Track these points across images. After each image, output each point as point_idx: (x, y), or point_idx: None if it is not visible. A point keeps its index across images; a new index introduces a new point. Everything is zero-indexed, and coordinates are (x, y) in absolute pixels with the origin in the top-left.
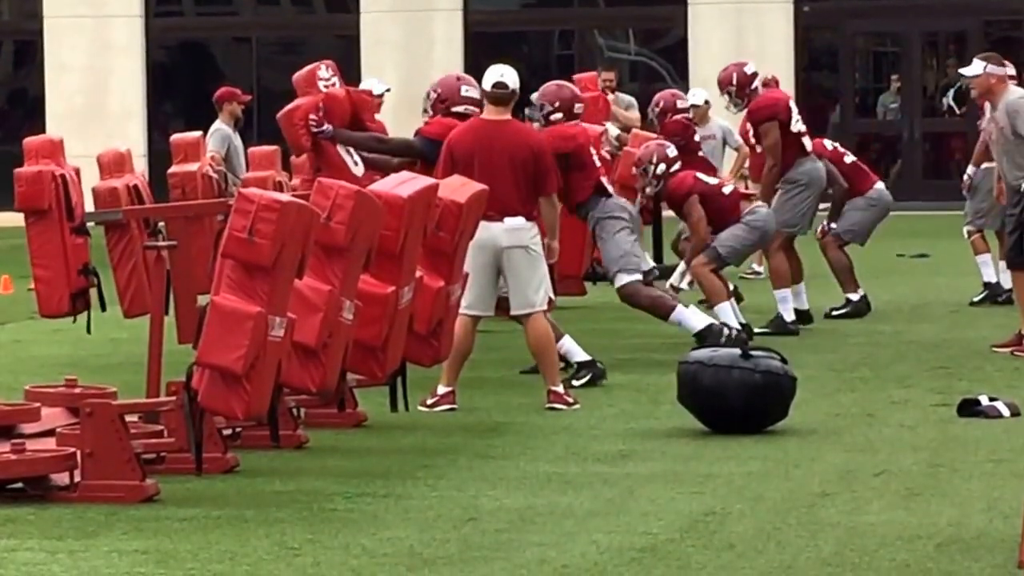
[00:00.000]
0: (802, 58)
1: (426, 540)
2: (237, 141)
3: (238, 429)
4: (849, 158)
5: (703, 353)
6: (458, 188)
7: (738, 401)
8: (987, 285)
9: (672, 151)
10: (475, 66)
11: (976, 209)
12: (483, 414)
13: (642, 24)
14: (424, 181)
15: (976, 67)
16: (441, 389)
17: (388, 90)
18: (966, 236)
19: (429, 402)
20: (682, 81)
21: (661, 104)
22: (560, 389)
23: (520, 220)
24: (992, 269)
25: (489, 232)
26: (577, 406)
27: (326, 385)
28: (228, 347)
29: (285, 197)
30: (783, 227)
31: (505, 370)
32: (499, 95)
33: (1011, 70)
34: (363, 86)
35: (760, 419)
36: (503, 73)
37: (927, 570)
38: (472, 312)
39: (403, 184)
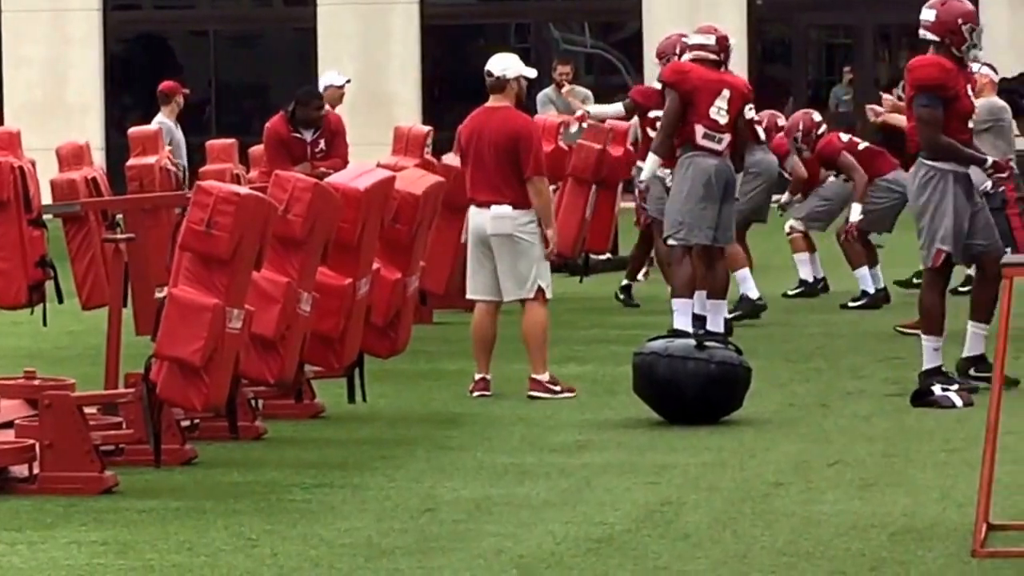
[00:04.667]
0: (756, 50)
1: (384, 530)
2: (179, 134)
3: (196, 421)
4: (862, 145)
5: (658, 344)
6: (415, 180)
7: (693, 392)
8: (803, 283)
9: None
10: (432, 59)
11: (813, 210)
12: (440, 405)
13: (597, 17)
14: (381, 174)
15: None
16: (476, 376)
17: (348, 81)
18: (787, 232)
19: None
20: (637, 74)
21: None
22: (543, 378)
23: (506, 208)
24: (809, 268)
25: (477, 219)
26: (568, 394)
27: (284, 376)
28: (186, 339)
29: (243, 190)
30: (736, 215)
31: (463, 362)
32: (489, 83)
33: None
34: (322, 79)
35: (715, 409)
36: (492, 61)
37: (881, 559)
38: (478, 297)
39: (360, 176)
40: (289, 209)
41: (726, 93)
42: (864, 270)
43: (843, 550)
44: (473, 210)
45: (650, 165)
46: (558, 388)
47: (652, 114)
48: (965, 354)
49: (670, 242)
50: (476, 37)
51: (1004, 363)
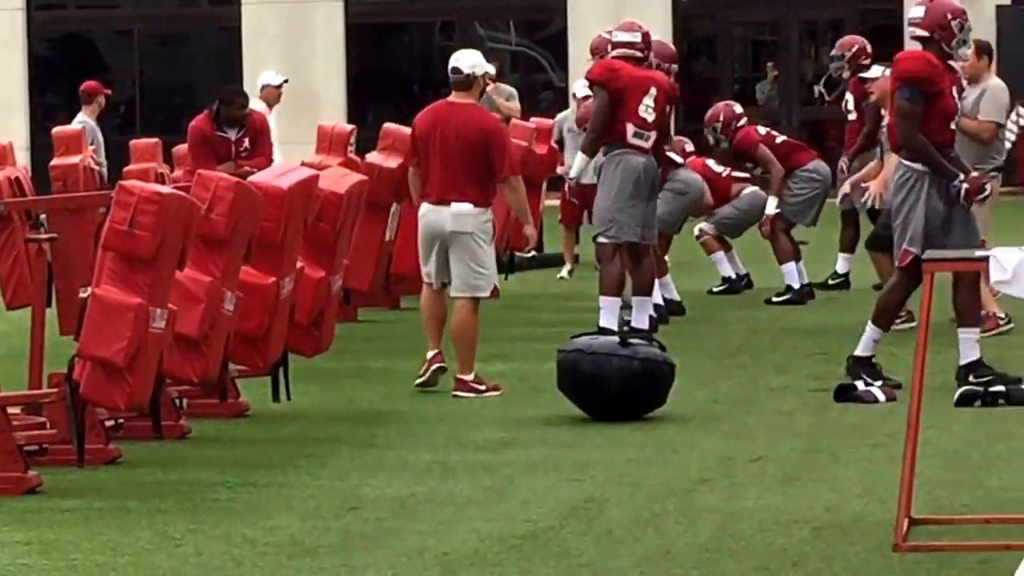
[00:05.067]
0: (681, 47)
1: (308, 529)
2: (99, 135)
3: (120, 420)
4: (780, 138)
5: (582, 341)
6: (338, 179)
7: (617, 388)
8: (726, 279)
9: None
10: (357, 58)
11: (724, 217)
12: (365, 403)
13: (523, 15)
14: (304, 172)
15: (876, 71)
16: (429, 354)
17: (286, 81)
18: (697, 235)
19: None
20: (562, 71)
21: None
22: (468, 377)
23: (467, 206)
24: (728, 265)
25: (436, 216)
26: (493, 393)
27: (208, 376)
28: (110, 339)
29: (166, 189)
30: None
31: (387, 360)
32: (455, 80)
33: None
34: (260, 79)
35: (639, 406)
36: (459, 58)
37: (804, 554)
38: (431, 280)
39: (284, 175)
40: (212, 208)
41: (653, 91)
42: (791, 265)
43: (766, 545)
44: (428, 207)
45: (578, 164)
46: (483, 387)
47: None
48: (961, 362)
49: (600, 240)
50: (401, 35)
51: (925, 357)
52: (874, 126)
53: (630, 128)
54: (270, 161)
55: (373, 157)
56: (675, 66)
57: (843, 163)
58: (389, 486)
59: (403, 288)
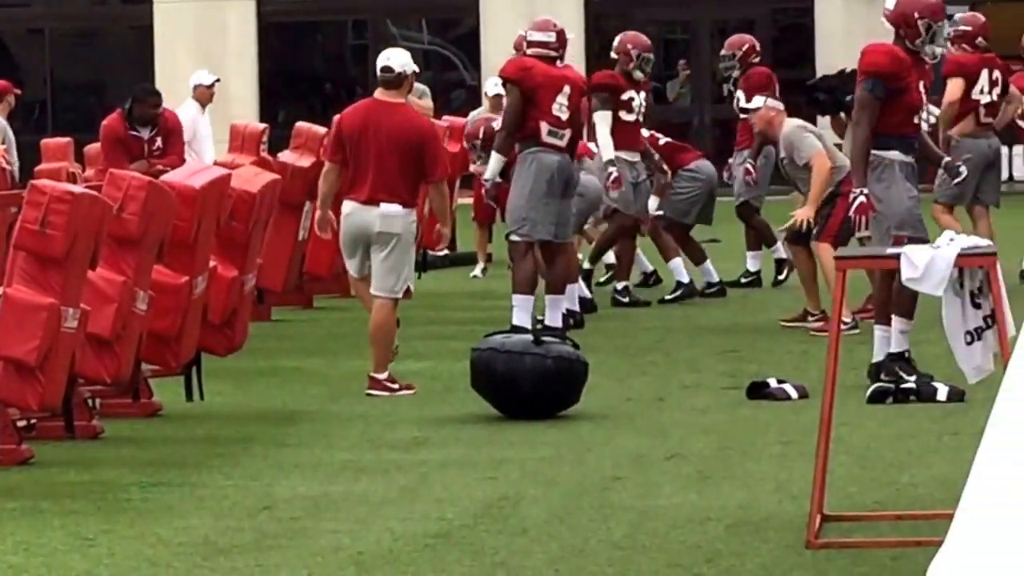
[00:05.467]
0: (593, 46)
1: (221, 529)
2: (10, 134)
3: (33, 420)
4: (663, 140)
5: (496, 340)
6: (251, 178)
7: (531, 387)
8: (680, 284)
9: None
10: (269, 56)
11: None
12: (278, 403)
13: (435, 13)
14: (216, 172)
15: (757, 101)
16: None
17: (217, 80)
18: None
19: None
20: (475, 70)
21: None
22: (381, 377)
23: (396, 207)
24: (684, 269)
25: (364, 216)
26: (407, 392)
27: (121, 375)
28: (21, 339)
29: (78, 189)
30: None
31: (300, 359)
32: (386, 79)
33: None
34: (192, 79)
35: (553, 404)
36: (389, 57)
37: (717, 551)
38: (356, 273)
39: (196, 174)
40: (124, 208)
41: (567, 89)
42: (677, 261)
43: (679, 543)
44: (355, 206)
45: (493, 164)
46: (396, 386)
47: (625, 96)
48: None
49: (512, 238)
50: (313, 34)
51: (837, 355)
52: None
53: (544, 126)
54: (182, 160)
55: (285, 156)
56: (650, 55)
57: (748, 162)
58: (303, 485)
59: (316, 287)
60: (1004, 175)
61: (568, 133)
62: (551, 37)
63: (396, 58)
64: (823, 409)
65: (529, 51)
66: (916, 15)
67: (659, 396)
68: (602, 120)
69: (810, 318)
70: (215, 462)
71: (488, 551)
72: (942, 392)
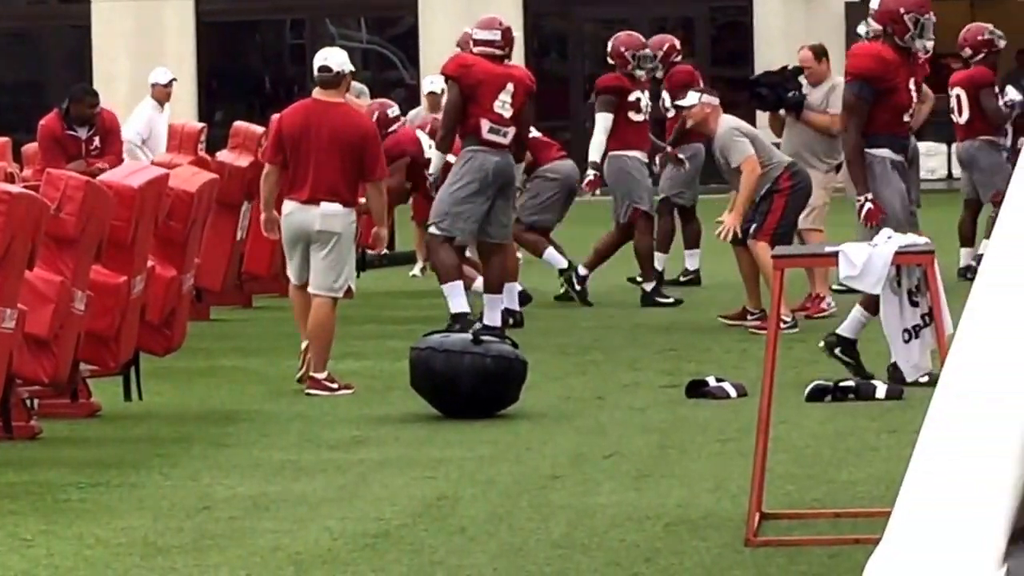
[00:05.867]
0: (532, 45)
1: (160, 529)
2: None
3: None
4: (534, 134)
5: (435, 339)
6: (189, 178)
7: (470, 386)
8: (562, 271)
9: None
10: (208, 56)
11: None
12: (217, 403)
13: (373, 12)
14: (154, 171)
15: (692, 98)
16: (303, 345)
17: (174, 79)
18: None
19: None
20: (414, 68)
21: None
22: (321, 376)
23: (337, 207)
24: (560, 256)
25: (304, 215)
26: (346, 391)
27: (59, 376)
28: None
29: (14, 188)
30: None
31: (239, 358)
32: (324, 79)
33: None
34: (150, 78)
35: (492, 403)
36: (327, 56)
37: (656, 550)
38: (297, 280)
39: (134, 174)
40: (62, 208)
41: (510, 87)
42: (550, 251)
43: (618, 541)
44: (295, 206)
45: (435, 161)
46: (336, 385)
47: (632, 97)
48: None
49: (431, 230)
50: (251, 33)
51: (776, 353)
52: (679, 135)
53: (484, 124)
54: (120, 160)
55: (223, 155)
56: (647, 51)
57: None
58: (241, 485)
59: (255, 287)
60: (943, 173)
61: (511, 131)
62: (496, 35)
63: (334, 57)
64: (761, 407)
65: (475, 49)
66: (902, 10)
67: (598, 395)
68: (602, 121)
69: (749, 316)
70: (154, 462)
71: (427, 550)
72: (880, 390)
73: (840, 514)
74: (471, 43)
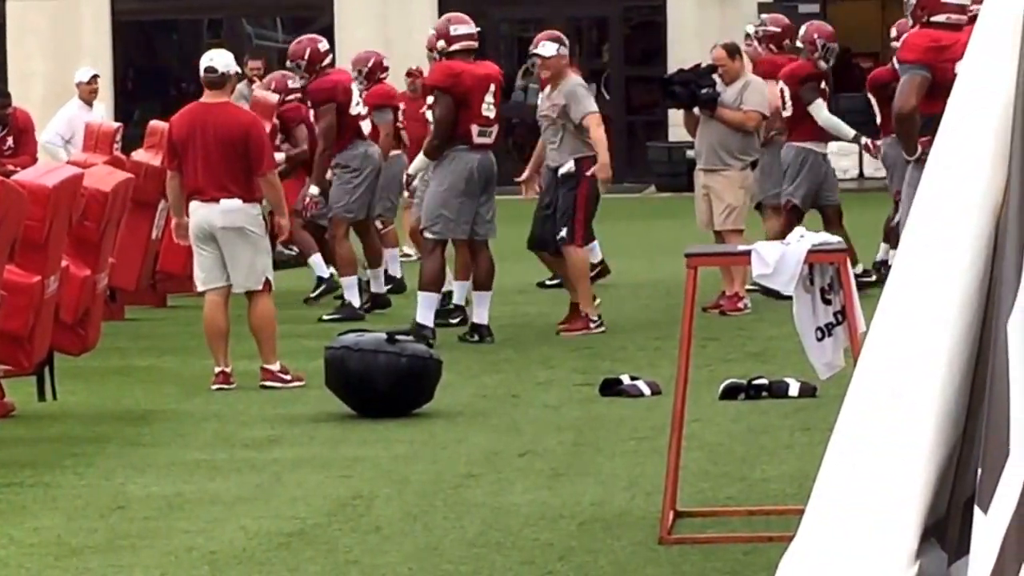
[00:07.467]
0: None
1: (74, 529)
2: None
3: None
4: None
5: (349, 338)
6: (103, 177)
7: (384, 385)
8: (320, 280)
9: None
10: (124, 55)
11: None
12: (132, 402)
13: (290, 12)
14: (69, 171)
15: (550, 48)
16: (216, 370)
17: (96, 76)
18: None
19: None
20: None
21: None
22: (274, 368)
23: (236, 202)
24: (324, 264)
25: (204, 214)
26: (298, 383)
27: None
28: None
29: None
30: (343, 213)
31: (154, 358)
32: (210, 79)
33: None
34: (75, 75)
35: (407, 402)
36: (213, 58)
37: (570, 548)
38: (210, 286)
39: (48, 174)
40: None
41: (492, 87)
42: (316, 258)
43: (532, 540)
44: (196, 204)
45: (418, 164)
46: (288, 377)
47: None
48: None
49: (426, 235)
50: (168, 32)
51: (689, 351)
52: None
53: (475, 128)
54: (34, 160)
55: (139, 155)
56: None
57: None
58: (156, 485)
59: (170, 286)
60: (855, 172)
61: (495, 129)
62: (472, 28)
63: (219, 59)
64: (675, 405)
65: (456, 46)
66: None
67: (513, 393)
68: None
69: (591, 324)
70: (68, 462)
71: (342, 549)
72: (794, 388)
73: (754, 511)
74: (447, 40)
